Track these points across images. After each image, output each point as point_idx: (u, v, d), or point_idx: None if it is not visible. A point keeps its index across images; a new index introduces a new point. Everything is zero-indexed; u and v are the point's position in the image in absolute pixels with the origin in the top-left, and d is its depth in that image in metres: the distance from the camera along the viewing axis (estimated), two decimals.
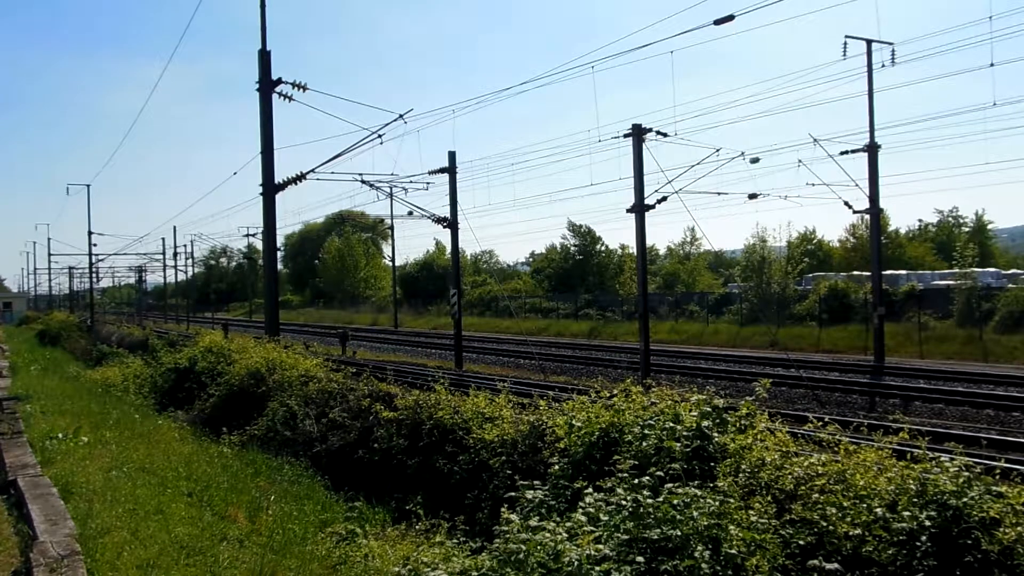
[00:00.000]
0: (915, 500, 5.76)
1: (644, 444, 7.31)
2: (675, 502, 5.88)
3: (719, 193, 30.45)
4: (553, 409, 9.56)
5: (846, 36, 27.79)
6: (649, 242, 35.08)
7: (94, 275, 72.77)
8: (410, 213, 36.33)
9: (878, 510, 5.75)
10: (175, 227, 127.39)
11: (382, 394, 13.57)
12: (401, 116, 21.58)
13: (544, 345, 38.80)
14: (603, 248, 66.69)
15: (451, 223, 32.31)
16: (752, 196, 29.82)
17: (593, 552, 5.49)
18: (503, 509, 6.49)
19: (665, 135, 27.24)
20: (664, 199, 27.83)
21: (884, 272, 32.26)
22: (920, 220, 66.69)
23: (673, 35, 47.71)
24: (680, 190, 27.24)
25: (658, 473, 6.58)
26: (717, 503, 5.90)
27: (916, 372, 25.75)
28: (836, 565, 5.44)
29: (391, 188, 32.61)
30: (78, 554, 6.91)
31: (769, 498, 6.21)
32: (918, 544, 5.43)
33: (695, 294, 51.68)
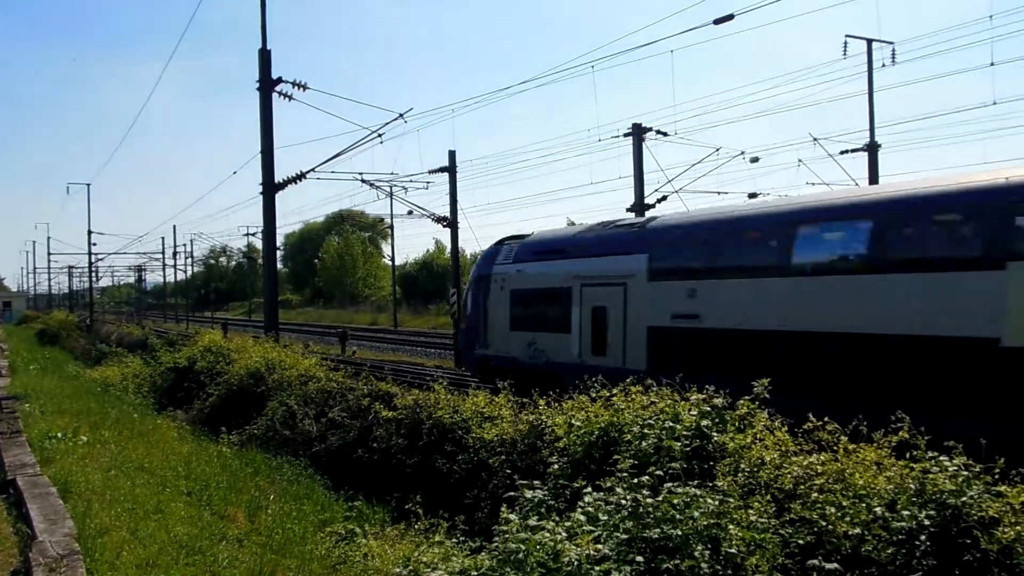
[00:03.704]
0: (914, 499, 5.75)
1: (643, 443, 7.31)
2: (675, 501, 5.88)
3: (719, 192, 30.48)
4: (552, 408, 9.56)
5: (846, 35, 27.83)
6: None
7: (94, 274, 72.89)
8: (410, 212, 36.37)
9: (877, 509, 5.74)
10: (175, 226, 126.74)
11: (381, 393, 13.57)
12: (401, 115, 21.60)
13: None
14: None
15: (451, 222, 32.34)
16: (752, 196, 29.79)
17: (592, 552, 5.49)
18: (502, 508, 6.50)
19: (665, 134, 27.29)
20: (664, 198, 27.86)
21: None
22: None
23: (673, 35, 47.84)
24: (680, 189, 27.28)
25: (657, 472, 6.58)
26: (716, 502, 5.90)
27: None
28: (835, 564, 5.43)
29: (391, 187, 32.68)
30: (77, 553, 6.90)
31: (768, 497, 6.21)
32: (917, 543, 5.43)
33: None
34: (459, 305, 24.09)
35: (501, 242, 18.31)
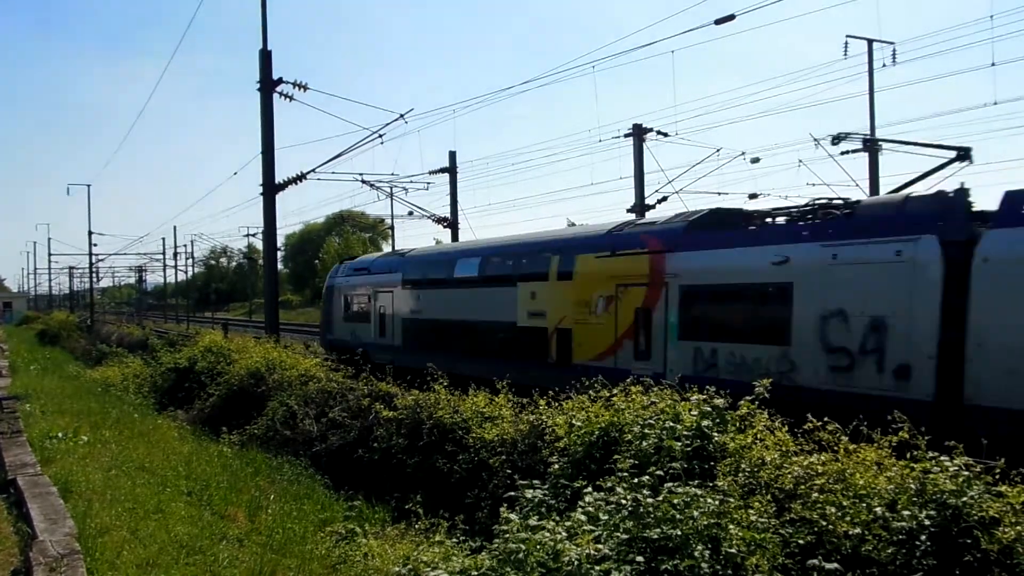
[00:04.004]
0: (915, 499, 5.75)
1: (644, 443, 7.31)
2: (675, 501, 5.88)
3: (719, 193, 30.38)
4: (553, 408, 9.56)
5: (847, 35, 27.84)
6: None
7: (94, 275, 72.93)
8: (410, 213, 36.36)
9: (878, 509, 5.74)
10: (175, 227, 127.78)
11: (382, 393, 13.58)
12: (402, 116, 21.58)
13: None
14: None
15: (451, 223, 32.37)
16: (752, 196, 29.72)
17: (593, 552, 5.50)
18: (503, 508, 6.50)
19: (665, 135, 27.29)
20: (665, 199, 27.87)
21: None
22: None
23: (673, 35, 47.80)
24: (680, 190, 27.29)
25: (658, 472, 6.58)
26: (717, 502, 5.89)
27: None
28: (836, 564, 5.43)
29: (391, 188, 32.68)
30: (77, 553, 6.91)
31: (769, 497, 6.20)
32: (918, 543, 5.43)
33: None
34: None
35: (340, 262, 27.68)
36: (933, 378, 9.31)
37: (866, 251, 10.19)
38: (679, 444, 7.13)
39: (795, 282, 10.90)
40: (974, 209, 9.80)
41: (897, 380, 9.63)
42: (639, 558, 5.49)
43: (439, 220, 32.62)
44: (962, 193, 9.90)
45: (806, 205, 11.99)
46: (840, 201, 11.70)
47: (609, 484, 6.56)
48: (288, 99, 22.95)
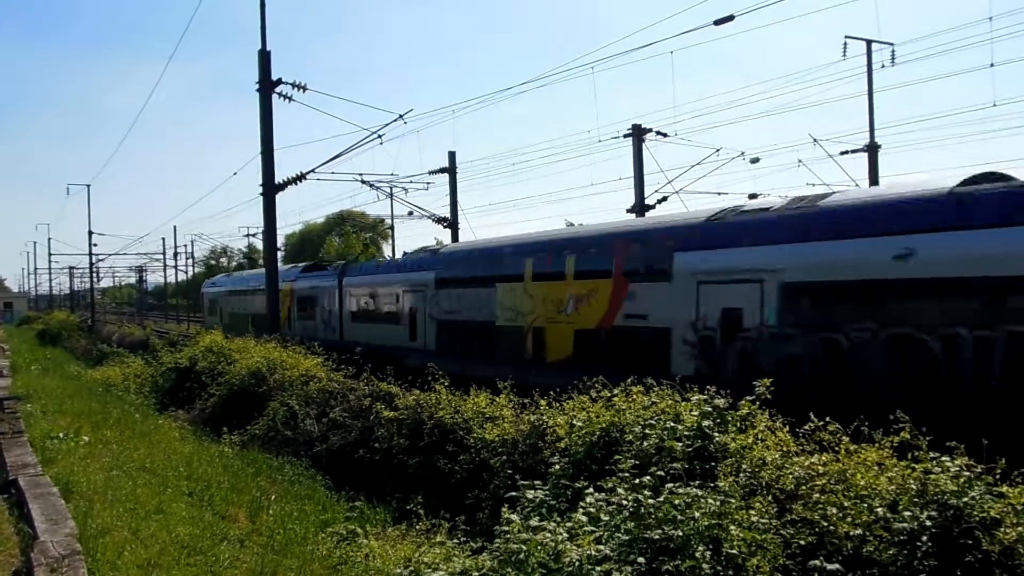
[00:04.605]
0: (916, 500, 5.75)
1: (645, 444, 7.31)
2: (676, 502, 5.88)
3: (719, 193, 30.44)
4: (554, 409, 9.56)
5: (846, 36, 27.89)
6: None
7: (94, 275, 72.97)
8: (410, 213, 36.39)
9: (879, 510, 5.74)
10: (175, 227, 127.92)
11: (383, 394, 13.56)
12: (401, 116, 21.58)
13: None
14: None
15: (451, 223, 32.38)
16: (752, 196, 29.74)
17: (594, 552, 5.50)
18: (504, 509, 6.50)
19: (665, 135, 27.34)
20: (664, 199, 27.95)
21: None
22: None
23: (673, 35, 47.56)
24: (680, 190, 27.38)
25: (659, 473, 6.58)
26: (718, 503, 5.89)
27: None
28: (837, 565, 5.43)
29: (391, 188, 32.67)
30: (79, 553, 6.91)
31: (770, 498, 6.21)
32: (919, 544, 5.43)
33: None
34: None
35: (205, 279, 55.52)
36: (339, 332, 25.19)
37: (327, 280, 26.85)
38: (680, 444, 7.13)
39: (317, 294, 27.31)
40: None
41: (335, 335, 24.82)
42: (640, 559, 5.49)
43: (439, 220, 32.64)
44: (349, 261, 28.61)
45: (339, 260, 29.82)
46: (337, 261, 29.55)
47: (610, 484, 6.56)
48: (287, 100, 22.92)
